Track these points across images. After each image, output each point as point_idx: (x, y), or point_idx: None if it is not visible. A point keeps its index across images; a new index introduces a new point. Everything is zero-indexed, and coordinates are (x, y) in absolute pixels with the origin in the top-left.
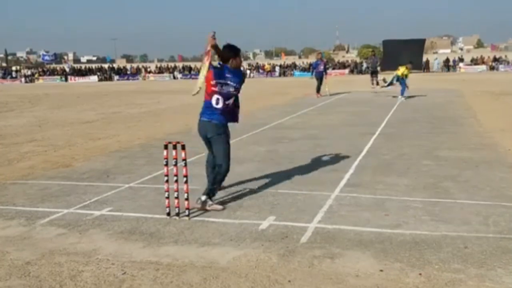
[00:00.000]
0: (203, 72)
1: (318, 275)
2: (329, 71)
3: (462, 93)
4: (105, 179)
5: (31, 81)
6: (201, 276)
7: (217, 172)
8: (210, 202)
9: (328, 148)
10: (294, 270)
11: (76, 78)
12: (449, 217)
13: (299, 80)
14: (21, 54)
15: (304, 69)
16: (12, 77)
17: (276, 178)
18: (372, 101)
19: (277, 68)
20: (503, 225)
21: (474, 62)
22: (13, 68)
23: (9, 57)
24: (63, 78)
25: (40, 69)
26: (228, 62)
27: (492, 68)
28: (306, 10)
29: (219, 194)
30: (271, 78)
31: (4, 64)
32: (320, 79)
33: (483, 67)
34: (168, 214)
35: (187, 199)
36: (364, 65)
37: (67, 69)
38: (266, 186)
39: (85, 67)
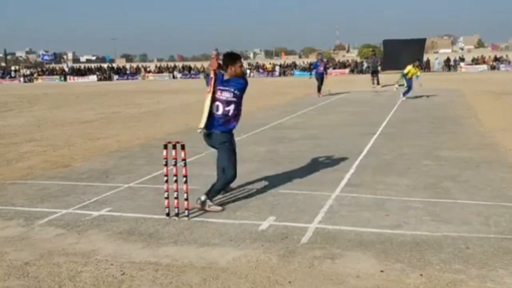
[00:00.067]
0: (207, 103)
1: (319, 276)
2: (329, 70)
3: (463, 92)
4: (105, 179)
5: (30, 80)
6: (200, 276)
7: (224, 178)
8: (209, 203)
9: (328, 148)
10: (294, 271)
11: (75, 77)
12: (450, 217)
13: (299, 79)
14: (20, 54)
15: (304, 69)
16: (11, 77)
17: (276, 178)
18: (372, 101)
19: (277, 68)
20: (504, 225)
21: (475, 61)
22: (12, 67)
23: (8, 57)
24: (62, 78)
25: (39, 69)
26: (228, 69)
27: (493, 67)
28: (306, 10)
29: (219, 195)
30: (271, 77)
31: (3, 64)
32: (320, 79)
33: (484, 66)
34: (168, 214)
35: (186, 199)
36: (365, 64)
37: (66, 69)
38: (266, 186)
39: (84, 67)
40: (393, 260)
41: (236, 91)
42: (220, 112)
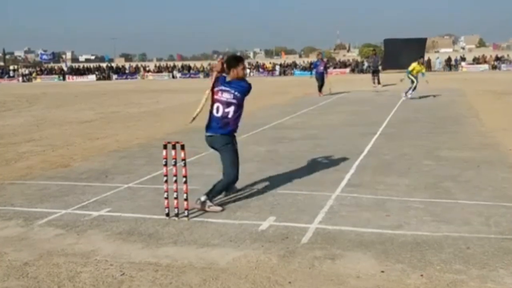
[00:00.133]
0: (202, 101)
1: (319, 276)
2: (330, 70)
3: (464, 92)
4: (104, 179)
5: (29, 80)
6: (200, 277)
7: (226, 179)
8: (209, 203)
9: (328, 148)
10: (294, 271)
11: (74, 77)
12: (451, 217)
13: (299, 79)
14: (19, 53)
15: (304, 68)
16: (9, 76)
17: (276, 178)
18: (373, 100)
19: (277, 67)
20: (505, 225)
21: (476, 61)
22: (11, 67)
23: (7, 56)
24: (61, 78)
25: (38, 68)
26: (231, 72)
27: (494, 67)
28: (306, 10)
29: (220, 195)
30: (271, 77)
31: (1, 64)
32: (321, 79)
33: (485, 66)
34: (167, 214)
35: (186, 199)
36: (365, 64)
37: (65, 68)
38: (266, 186)
39: (83, 66)
40: (394, 261)
41: (236, 93)
42: (220, 114)
